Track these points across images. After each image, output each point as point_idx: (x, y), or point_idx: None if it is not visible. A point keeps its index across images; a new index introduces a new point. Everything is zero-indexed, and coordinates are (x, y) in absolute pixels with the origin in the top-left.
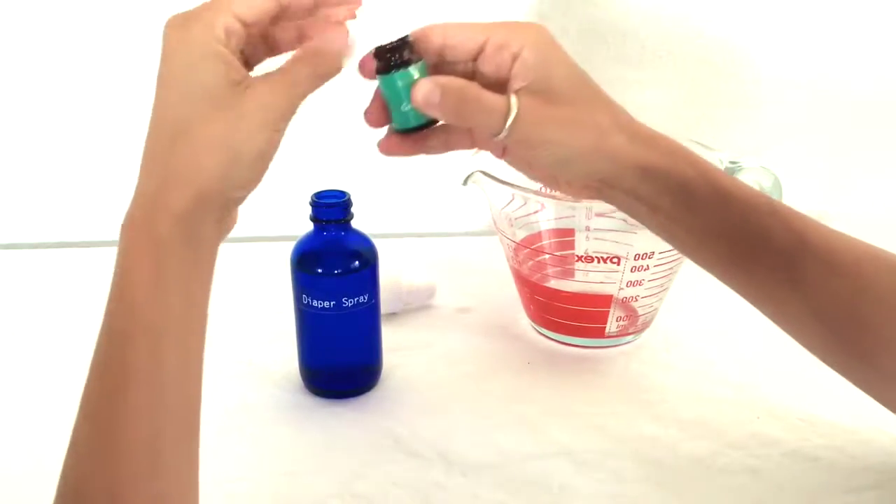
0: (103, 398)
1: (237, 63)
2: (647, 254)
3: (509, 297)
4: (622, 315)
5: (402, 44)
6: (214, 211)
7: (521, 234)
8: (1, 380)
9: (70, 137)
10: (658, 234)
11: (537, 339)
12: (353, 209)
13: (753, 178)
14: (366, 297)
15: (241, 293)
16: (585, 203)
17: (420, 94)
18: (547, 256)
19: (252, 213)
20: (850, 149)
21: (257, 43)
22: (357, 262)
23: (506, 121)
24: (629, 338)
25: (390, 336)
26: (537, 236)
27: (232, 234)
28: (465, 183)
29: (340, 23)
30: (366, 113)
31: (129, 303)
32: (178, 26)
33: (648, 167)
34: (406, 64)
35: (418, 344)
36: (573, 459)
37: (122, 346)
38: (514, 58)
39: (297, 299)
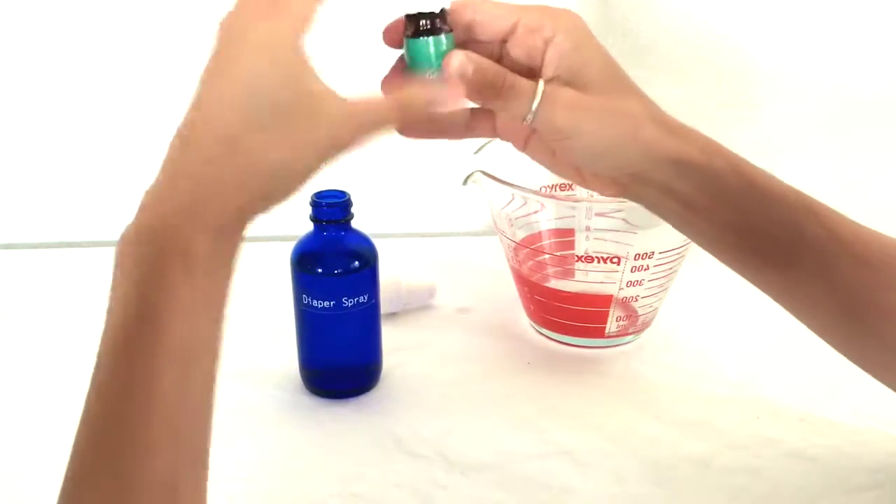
0: (116, 427)
1: (311, 71)
2: (647, 254)
3: (509, 297)
4: (622, 315)
5: (438, 13)
6: (245, 227)
7: (521, 234)
8: (1, 380)
9: (70, 137)
10: (686, 231)
11: (537, 339)
12: (353, 209)
13: None
14: (366, 297)
15: (241, 293)
16: (585, 203)
17: (454, 63)
18: (547, 256)
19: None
20: (851, 149)
21: None
22: (357, 263)
23: (532, 104)
24: (629, 338)
25: (390, 336)
26: (537, 236)
27: None
28: (465, 183)
29: (457, 83)
30: (384, 80)
31: (159, 324)
32: (263, 11)
33: (683, 160)
34: (438, 31)
35: (418, 344)
36: (573, 459)
37: (148, 374)
38: (547, 42)
39: (297, 299)
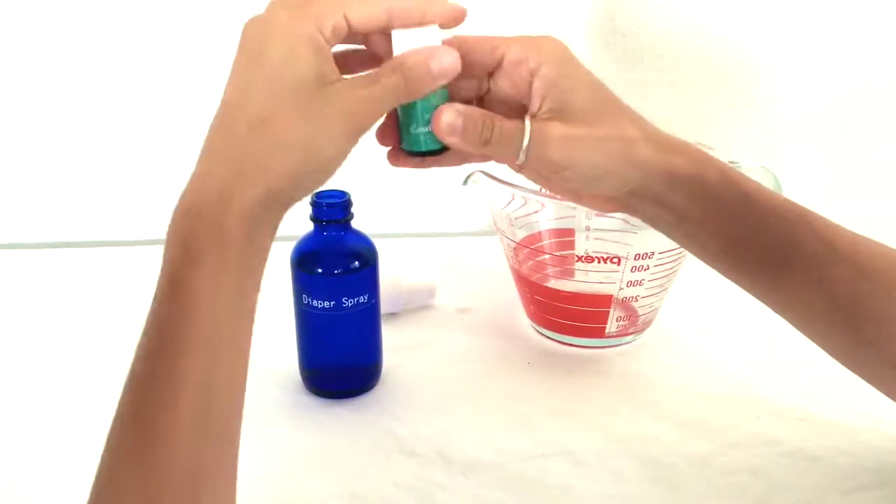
0: (147, 406)
1: (332, 63)
2: (647, 254)
3: (509, 297)
4: (622, 315)
5: None
6: (278, 213)
7: (521, 234)
8: (1, 380)
9: (70, 137)
10: (683, 243)
11: (537, 339)
12: (353, 209)
13: (753, 178)
14: (366, 298)
15: None
16: None
17: (444, 121)
18: (547, 256)
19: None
20: (851, 149)
21: (353, 51)
22: (357, 263)
23: (521, 145)
24: (629, 338)
25: (390, 336)
26: (537, 236)
27: None
28: (465, 183)
29: (444, 46)
30: (378, 132)
31: (187, 306)
32: (287, 9)
33: (676, 174)
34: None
35: (418, 344)
36: (573, 459)
37: (174, 356)
38: (533, 74)
39: (297, 299)
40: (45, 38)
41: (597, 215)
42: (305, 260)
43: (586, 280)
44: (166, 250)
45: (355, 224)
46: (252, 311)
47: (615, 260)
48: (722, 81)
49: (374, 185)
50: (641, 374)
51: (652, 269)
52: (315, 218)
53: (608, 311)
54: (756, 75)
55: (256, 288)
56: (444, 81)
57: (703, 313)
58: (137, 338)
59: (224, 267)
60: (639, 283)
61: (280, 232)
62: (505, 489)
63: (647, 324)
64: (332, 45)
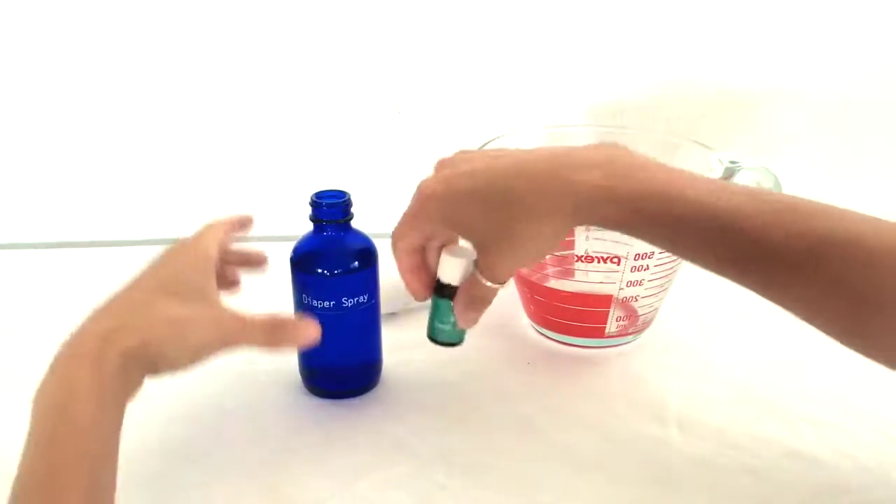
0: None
1: (215, 288)
2: (647, 254)
3: (509, 297)
4: (622, 315)
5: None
6: (146, 366)
7: None
8: (1, 380)
9: (70, 137)
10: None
11: (537, 339)
12: (353, 209)
13: (753, 178)
14: (366, 297)
15: (241, 293)
16: None
17: (468, 323)
18: (547, 256)
19: (254, 214)
20: (851, 149)
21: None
22: (357, 263)
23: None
24: (629, 338)
25: (390, 336)
26: None
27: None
28: None
29: (313, 325)
30: (410, 269)
31: (74, 427)
32: (192, 238)
33: (623, 225)
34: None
35: (418, 344)
36: (573, 460)
37: (64, 469)
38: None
39: (298, 299)
40: (46, 39)
41: None
42: (305, 260)
43: (586, 280)
44: (47, 379)
45: (355, 224)
46: (119, 427)
47: (615, 260)
48: (722, 82)
49: (374, 185)
50: (641, 374)
51: (652, 270)
52: (315, 218)
53: (608, 311)
54: (756, 75)
55: (120, 418)
56: (297, 344)
57: (703, 313)
58: None
59: (103, 397)
60: (639, 283)
61: (280, 232)
62: (505, 489)
63: (646, 324)
64: (216, 260)
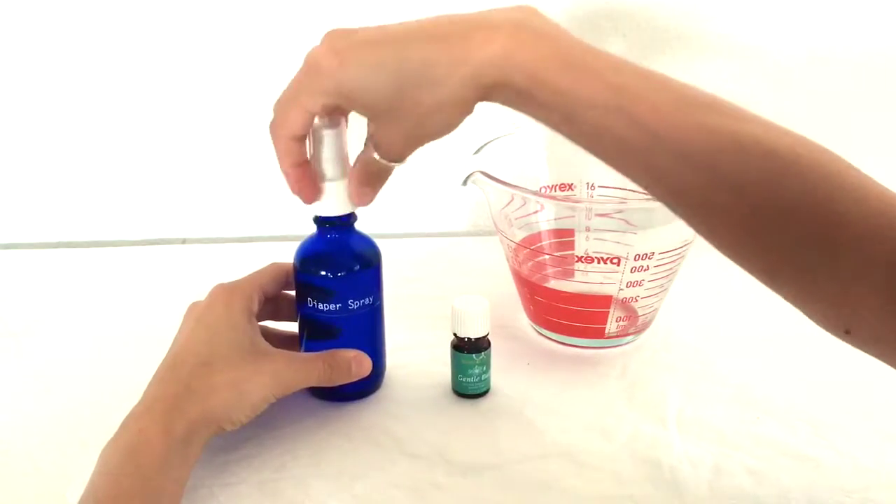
0: None
1: (261, 338)
2: (647, 254)
3: (509, 297)
4: (622, 315)
5: (481, 339)
6: (208, 433)
7: (520, 235)
8: (1, 380)
9: (70, 137)
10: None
11: (537, 339)
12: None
13: None
14: (370, 299)
15: None
16: (585, 203)
17: (361, 198)
18: (547, 257)
19: (254, 214)
20: (851, 149)
21: (268, 308)
22: (360, 264)
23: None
24: (629, 338)
25: (390, 337)
26: (537, 236)
27: (235, 234)
28: (464, 183)
29: (366, 359)
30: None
31: (142, 472)
32: (226, 290)
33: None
34: (480, 351)
35: (418, 344)
36: (573, 459)
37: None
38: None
39: (301, 301)
40: (45, 39)
41: (597, 215)
42: (309, 262)
43: (586, 280)
44: (117, 434)
45: (357, 225)
46: (183, 485)
47: (615, 260)
48: (723, 81)
49: None
50: (641, 375)
51: (652, 270)
52: (318, 219)
53: (608, 312)
54: (756, 73)
55: (185, 479)
56: (356, 378)
57: (703, 313)
58: (135, 338)
59: (168, 455)
60: (639, 283)
61: (280, 232)
62: (505, 490)
63: (646, 324)
64: (258, 312)
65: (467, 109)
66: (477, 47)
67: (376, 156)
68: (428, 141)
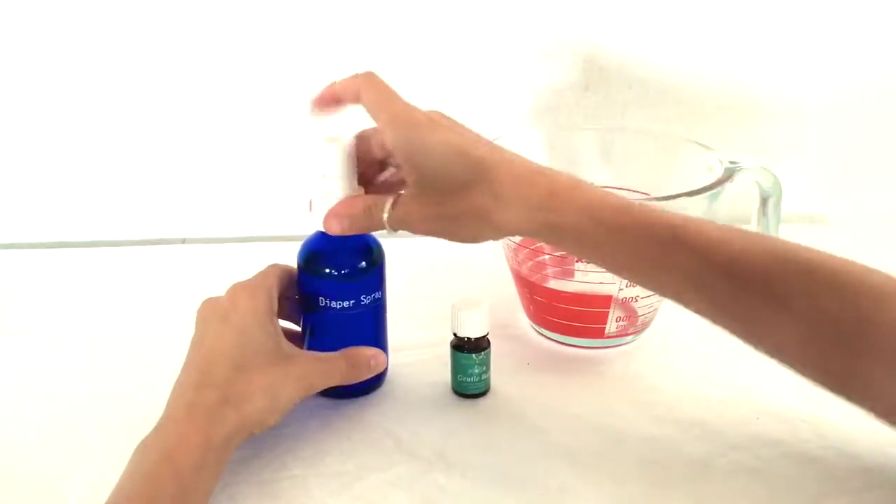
0: None
1: (285, 339)
2: None
3: (509, 297)
4: (622, 315)
5: (480, 339)
6: (241, 438)
7: None
8: (1, 380)
9: (70, 137)
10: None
11: (537, 339)
12: None
13: (753, 178)
14: (373, 297)
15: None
16: None
17: (330, 227)
18: (547, 257)
19: (254, 214)
20: (850, 149)
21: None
22: (364, 263)
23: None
24: (629, 338)
25: (390, 337)
26: None
27: (235, 234)
28: None
29: (383, 355)
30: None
31: (178, 476)
32: (249, 289)
33: (553, 227)
34: (480, 351)
35: (418, 344)
36: (573, 460)
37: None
38: (383, 147)
39: (303, 299)
40: (45, 39)
41: None
42: (312, 260)
43: (586, 280)
44: (151, 434)
45: None
46: (215, 483)
47: None
48: (723, 82)
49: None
50: (641, 375)
51: None
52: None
53: (608, 312)
54: (756, 75)
55: (215, 484)
56: (374, 374)
57: None
58: (135, 338)
59: (206, 456)
60: None
61: (280, 232)
62: (505, 490)
63: (646, 324)
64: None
65: (498, 236)
66: (545, 184)
67: (385, 214)
68: (440, 238)
